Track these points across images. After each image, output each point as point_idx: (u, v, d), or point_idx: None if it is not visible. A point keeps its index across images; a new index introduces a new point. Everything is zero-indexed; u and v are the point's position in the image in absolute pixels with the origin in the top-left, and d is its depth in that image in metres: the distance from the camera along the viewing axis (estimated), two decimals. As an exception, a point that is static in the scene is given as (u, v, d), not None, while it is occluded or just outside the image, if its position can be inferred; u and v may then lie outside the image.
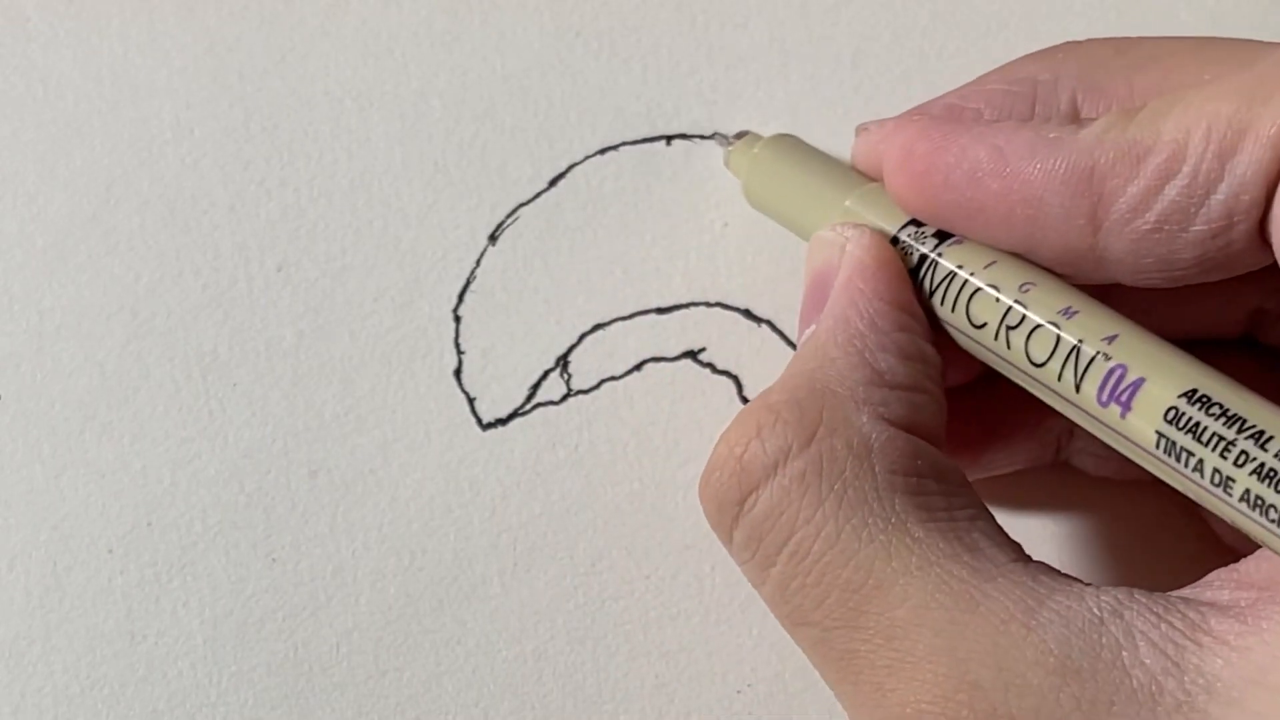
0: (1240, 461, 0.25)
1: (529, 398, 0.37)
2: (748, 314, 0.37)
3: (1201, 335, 0.32)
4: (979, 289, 0.29)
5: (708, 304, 0.38)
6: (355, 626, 0.36)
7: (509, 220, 0.38)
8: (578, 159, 0.38)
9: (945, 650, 0.26)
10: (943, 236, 0.30)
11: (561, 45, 0.39)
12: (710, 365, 0.37)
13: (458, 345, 0.37)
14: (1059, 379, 0.27)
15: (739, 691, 0.36)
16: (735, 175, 0.36)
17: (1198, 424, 0.25)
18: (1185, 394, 0.26)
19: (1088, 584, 0.27)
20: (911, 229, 0.31)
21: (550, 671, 0.36)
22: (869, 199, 0.32)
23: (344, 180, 0.38)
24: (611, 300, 0.38)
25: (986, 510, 0.28)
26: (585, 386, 0.37)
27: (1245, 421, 0.25)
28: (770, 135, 0.36)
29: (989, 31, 0.39)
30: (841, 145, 0.38)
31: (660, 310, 0.38)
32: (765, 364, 0.37)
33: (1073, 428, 0.33)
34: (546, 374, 0.37)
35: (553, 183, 0.38)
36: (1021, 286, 0.28)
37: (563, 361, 0.37)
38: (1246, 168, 0.26)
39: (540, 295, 0.38)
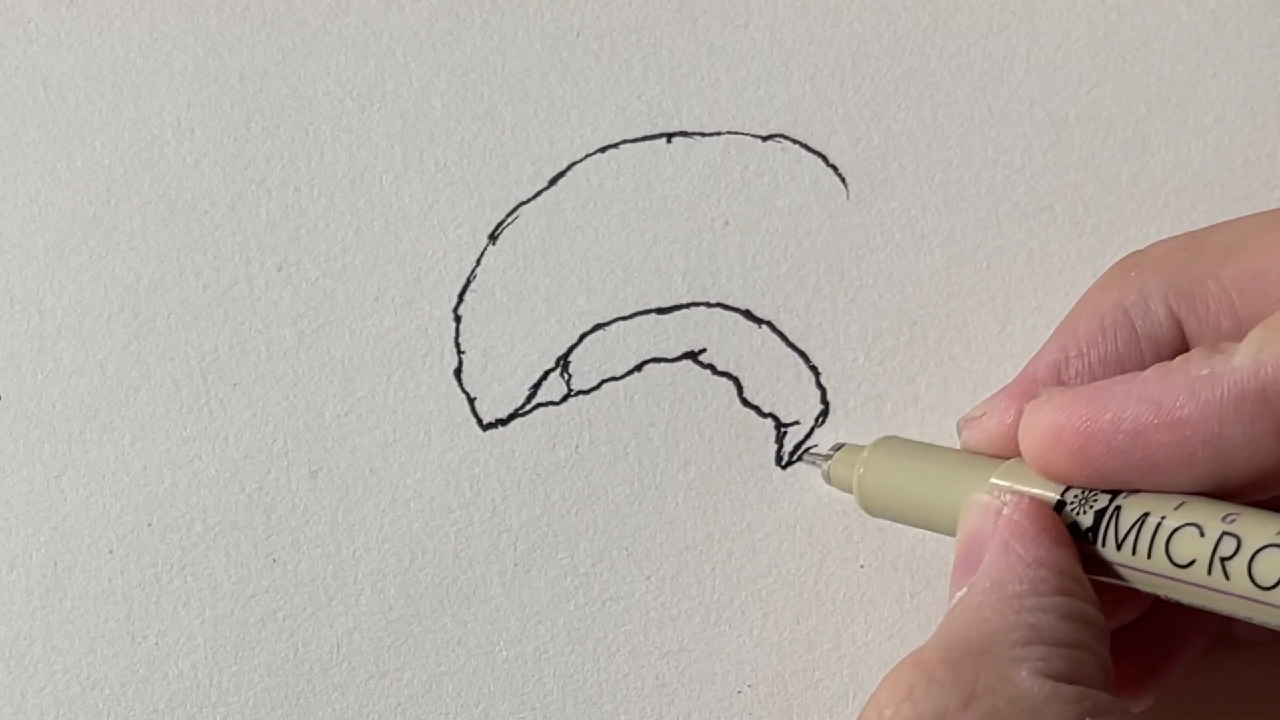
0: None
1: (529, 398, 0.37)
2: (748, 314, 0.37)
3: None
4: (1177, 529, 0.28)
5: (708, 304, 0.38)
6: (355, 627, 0.36)
7: (509, 219, 0.38)
8: (578, 157, 0.38)
9: None
10: (1114, 491, 0.30)
11: (561, 45, 0.39)
12: (711, 366, 0.37)
13: (458, 345, 0.37)
14: None
15: (739, 691, 0.36)
16: (839, 489, 0.35)
17: None
18: None
19: None
20: (1075, 492, 0.30)
21: (550, 671, 0.36)
22: (1013, 473, 0.31)
23: (344, 180, 0.38)
24: (611, 300, 0.38)
25: None
26: (585, 387, 0.37)
27: None
28: (872, 442, 0.35)
29: (989, 32, 0.38)
30: (840, 147, 0.38)
31: (660, 310, 0.38)
32: (766, 365, 0.37)
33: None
34: (547, 374, 0.37)
35: (553, 181, 0.38)
36: (1225, 517, 0.28)
37: (563, 361, 0.37)
38: None
39: (540, 295, 0.38)
